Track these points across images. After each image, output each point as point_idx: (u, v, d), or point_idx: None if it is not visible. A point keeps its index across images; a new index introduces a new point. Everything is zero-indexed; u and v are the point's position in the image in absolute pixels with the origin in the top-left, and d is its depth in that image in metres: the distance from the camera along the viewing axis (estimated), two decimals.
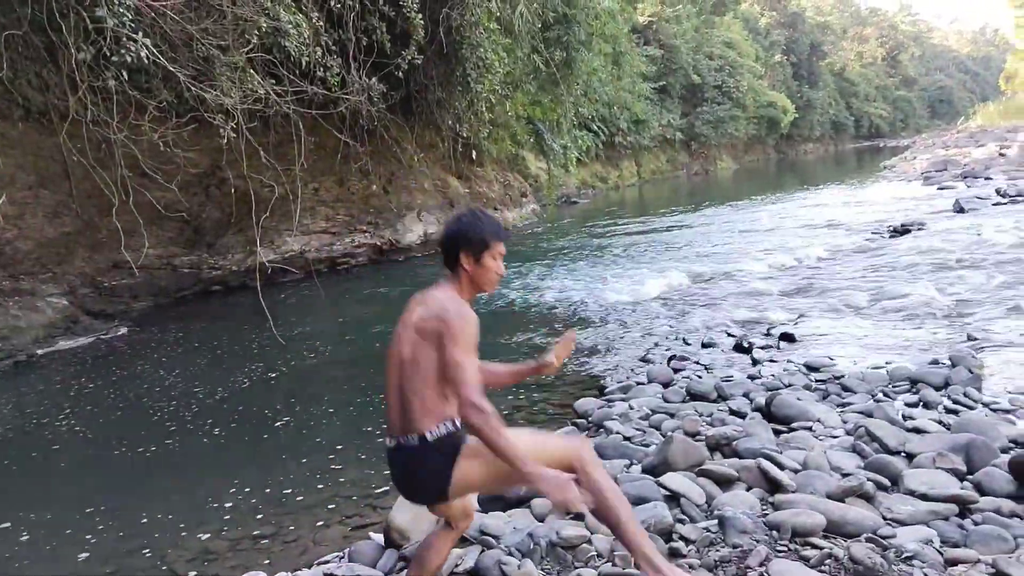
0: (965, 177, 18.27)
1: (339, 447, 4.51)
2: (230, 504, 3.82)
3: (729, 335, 6.15)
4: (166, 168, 8.45)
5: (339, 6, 9.38)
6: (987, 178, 17.49)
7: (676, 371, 5.30)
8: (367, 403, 5.34)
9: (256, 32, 7.94)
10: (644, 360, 5.80)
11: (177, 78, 7.49)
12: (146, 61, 6.98)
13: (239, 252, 10.32)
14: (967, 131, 33.70)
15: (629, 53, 23.24)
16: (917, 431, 3.57)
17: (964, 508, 2.77)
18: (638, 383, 5.09)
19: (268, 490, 3.96)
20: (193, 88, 7.64)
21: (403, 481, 2.26)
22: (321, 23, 9.17)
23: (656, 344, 6.27)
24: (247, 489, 3.97)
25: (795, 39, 54.32)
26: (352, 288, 10.43)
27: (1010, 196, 13.13)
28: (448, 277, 2.35)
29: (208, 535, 3.51)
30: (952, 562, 2.41)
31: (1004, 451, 3.23)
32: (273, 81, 8.77)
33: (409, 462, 2.19)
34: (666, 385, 4.93)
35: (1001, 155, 21.84)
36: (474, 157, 15.17)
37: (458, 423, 2.16)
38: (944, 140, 32.71)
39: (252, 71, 8.41)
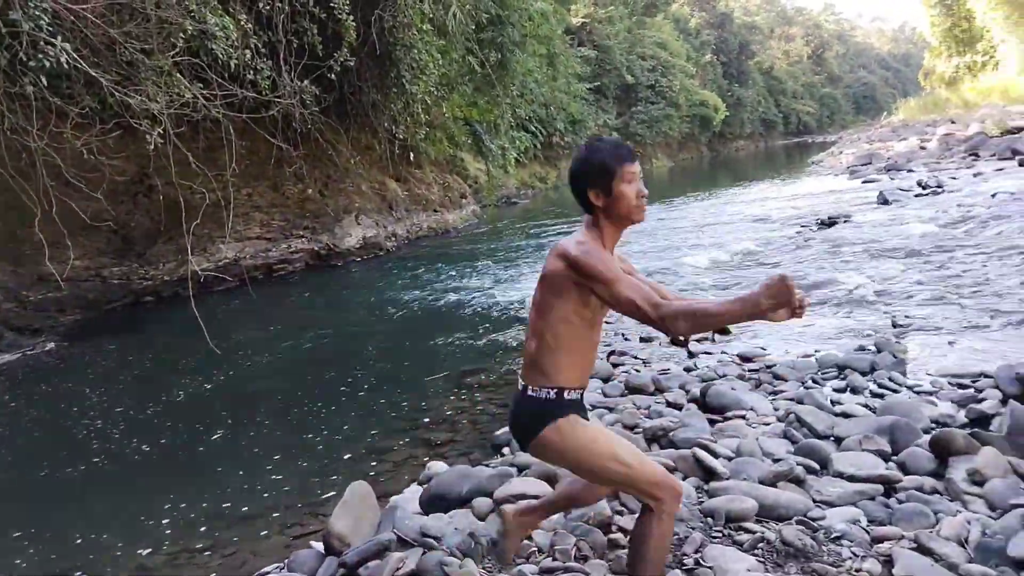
0: (888, 170, 18.96)
1: (278, 456, 4.43)
2: (166, 520, 3.72)
3: (571, 398, 6.23)
4: (91, 176, 8.16)
5: (268, 8, 9.23)
6: (909, 170, 18.20)
7: (615, 366, 5.37)
8: (305, 411, 5.26)
9: (182, 35, 7.75)
10: None
11: (100, 83, 7.25)
12: (66, 66, 6.74)
13: (171, 261, 10.05)
14: (890, 126, 34.96)
15: (563, 54, 23.46)
16: (845, 415, 3.70)
17: (889, 487, 2.89)
18: None
19: (205, 503, 3.87)
20: (117, 93, 7.41)
21: (510, 418, 2.21)
22: (250, 25, 9.00)
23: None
24: (183, 504, 3.88)
25: (724, 39, 55.67)
26: (289, 294, 10.26)
27: (930, 187, 13.67)
28: (585, 222, 2.12)
29: (145, 551, 3.42)
30: (878, 539, 2.51)
31: (926, 431, 3.37)
32: (201, 85, 8.56)
33: (516, 403, 2.16)
34: (606, 380, 4.97)
35: (922, 148, 22.73)
36: (412, 159, 15.08)
37: (565, 393, 2.07)
38: (868, 135, 33.89)
39: (179, 75, 8.20)
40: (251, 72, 8.96)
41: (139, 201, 9.86)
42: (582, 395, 2.15)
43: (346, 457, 4.33)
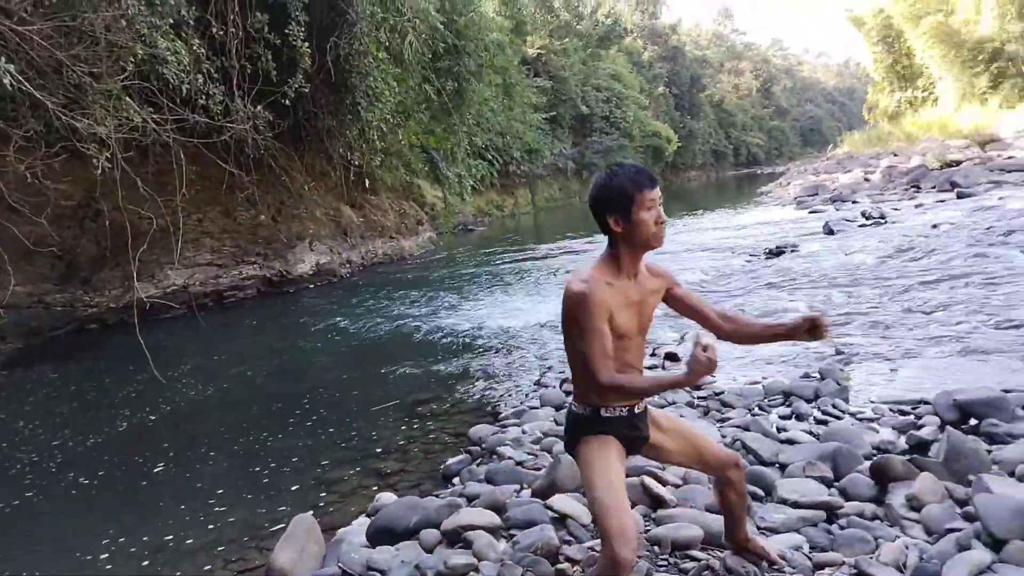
0: (834, 201, 19.51)
1: (223, 488, 4.33)
2: (105, 555, 3.60)
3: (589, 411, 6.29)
4: (35, 200, 7.98)
5: (221, 33, 9.18)
6: (854, 201, 18.75)
7: (568, 394, 5.38)
8: (252, 441, 5.16)
9: (132, 59, 7.65)
10: (538, 384, 5.87)
11: (46, 106, 7.10)
12: (10, 88, 6.59)
13: (117, 288, 9.81)
14: (835, 158, 36.01)
15: (519, 84, 23.72)
16: (790, 442, 3.77)
17: (831, 513, 2.95)
18: (531, 407, 5.13)
19: (147, 537, 3.75)
20: (63, 117, 7.26)
21: None
22: (203, 50, 8.93)
23: (550, 368, 6.36)
24: (123, 538, 3.75)
25: (676, 72, 57.00)
26: (239, 322, 10.10)
27: (874, 218, 14.10)
28: (605, 249, 2.22)
29: None
30: (820, 566, 2.55)
31: (867, 457, 3.44)
32: (151, 109, 8.45)
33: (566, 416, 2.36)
34: (559, 408, 4.98)
35: (866, 180, 23.46)
36: (367, 185, 15.07)
37: (602, 411, 2.21)
38: (815, 167, 34.85)
39: (128, 99, 8.08)
40: (203, 97, 8.87)
41: (85, 226, 9.64)
42: (631, 411, 2.23)
43: (294, 488, 4.26)
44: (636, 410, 2.25)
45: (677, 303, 2.32)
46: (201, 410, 6.20)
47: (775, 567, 2.50)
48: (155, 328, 9.12)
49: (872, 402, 4.50)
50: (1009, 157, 20.47)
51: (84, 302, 9.67)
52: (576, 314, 2.07)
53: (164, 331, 9.31)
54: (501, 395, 5.74)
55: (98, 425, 5.75)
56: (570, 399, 2.31)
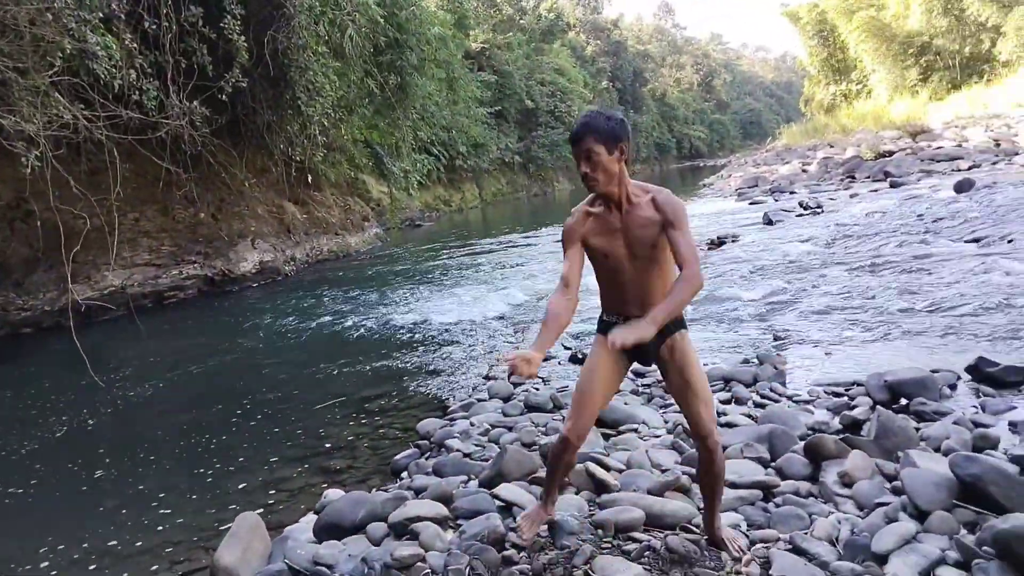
0: (773, 192, 20.00)
1: (167, 491, 4.24)
2: (45, 563, 3.50)
3: (565, 347, 6.37)
4: None
5: (155, 27, 8.95)
6: (792, 192, 19.26)
7: (516, 385, 5.41)
8: (196, 443, 5.06)
9: (60, 54, 7.40)
10: (487, 377, 5.90)
11: None
12: None
13: (51, 290, 9.50)
14: (775, 150, 36.85)
15: (463, 78, 23.64)
16: (729, 425, 3.87)
17: (768, 492, 3.04)
18: (480, 400, 5.16)
19: (88, 543, 3.66)
20: None
21: None
22: (135, 45, 8.69)
23: (498, 361, 6.39)
24: (62, 545, 3.66)
25: (619, 66, 57.60)
26: (179, 323, 9.88)
27: (811, 208, 14.52)
28: None
29: None
30: (757, 543, 2.63)
31: (802, 438, 3.55)
32: (83, 106, 8.20)
33: None
34: (506, 400, 5.02)
35: (804, 171, 24.10)
36: (310, 181, 14.86)
37: (604, 315, 2.64)
38: (755, 159, 35.64)
39: (57, 95, 7.82)
40: (137, 92, 8.64)
41: (16, 227, 9.31)
42: (617, 317, 2.54)
43: (240, 489, 4.20)
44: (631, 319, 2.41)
45: (670, 243, 2.37)
46: (142, 413, 6.06)
47: (703, 545, 2.59)
48: (93, 331, 8.87)
49: (807, 385, 4.65)
50: (938, 147, 21.27)
51: (17, 306, 9.35)
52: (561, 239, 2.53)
53: (102, 334, 9.05)
54: (450, 389, 5.75)
55: (34, 431, 5.57)
56: None
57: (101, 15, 8.06)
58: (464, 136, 28.98)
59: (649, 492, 2.97)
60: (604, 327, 2.54)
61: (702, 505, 2.71)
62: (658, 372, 5.11)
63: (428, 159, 25.63)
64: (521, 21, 40.87)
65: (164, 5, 9.16)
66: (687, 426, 2.64)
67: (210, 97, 9.85)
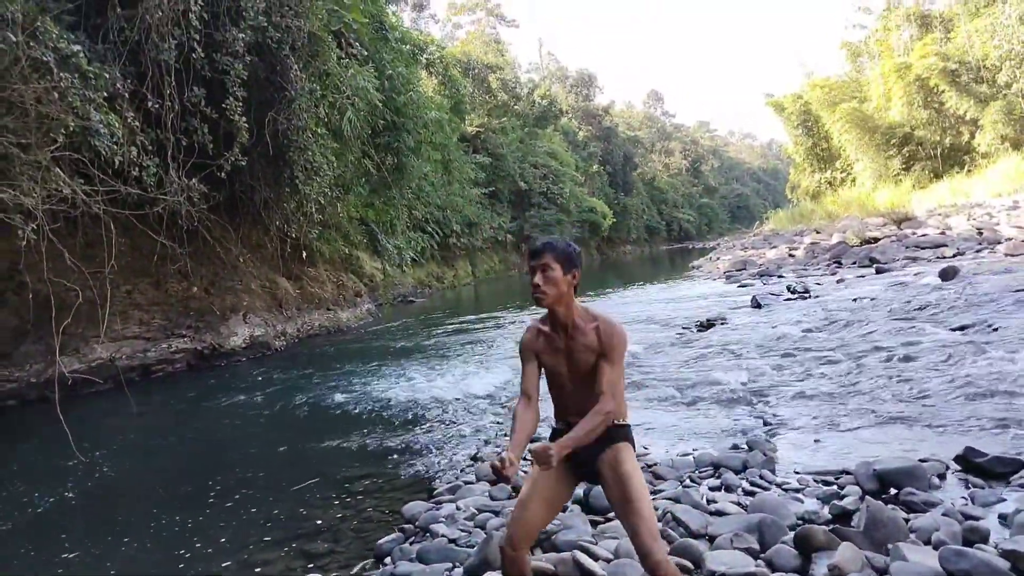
0: (761, 275, 20.24)
1: (144, 573, 4.13)
2: None
3: (553, 428, 6.32)
4: None
5: (157, 106, 9.18)
6: (780, 276, 19.49)
7: (492, 483, 5.33)
8: (176, 522, 4.94)
9: (63, 131, 7.56)
10: (474, 459, 5.83)
11: None
12: None
13: (38, 362, 9.42)
14: (762, 234, 37.55)
15: (458, 160, 24.23)
16: (719, 513, 3.83)
17: None
18: (466, 482, 5.09)
19: None
20: None
21: None
22: (137, 123, 8.89)
23: (486, 442, 6.33)
24: None
25: (610, 151, 59.08)
26: (167, 397, 9.78)
27: (799, 292, 14.67)
28: None
29: None
30: None
31: (792, 528, 3.52)
32: (82, 180, 8.32)
33: None
34: (494, 483, 4.95)
35: (791, 255, 24.48)
36: (304, 257, 14.98)
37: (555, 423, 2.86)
38: (743, 242, 36.21)
39: (58, 170, 7.96)
40: (136, 169, 8.79)
41: (7, 299, 9.30)
42: (563, 424, 2.75)
43: (218, 573, 4.09)
44: (558, 428, 2.76)
45: (596, 369, 2.60)
46: (122, 490, 5.95)
47: None
48: (79, 404, 8.75)
49: (797, 472, 4.61)
50: (923, 235, 21.69)
51: (3, 377, 9.25)
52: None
53: (88, 407, 8.94)
54: (436, 470, 5.68)
55: (9, 508, 5.44)
56: None
57: (106, 94, 8.27)
58: (458, 215, 29.46)
59: None
60: (553, 434, 2.77)
61: None
62: (646, 456, 5.15)
63: (422, 236, 25.96)
64: (515, 107, 42.08)
65: (167, 85, 9.42)
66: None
67: (209, 174, 10.02)
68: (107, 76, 8.28)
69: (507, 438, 2.67)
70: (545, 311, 2.66)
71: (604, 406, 2.48)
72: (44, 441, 7.39)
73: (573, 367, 2.61)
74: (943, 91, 33.48)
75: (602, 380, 2.51)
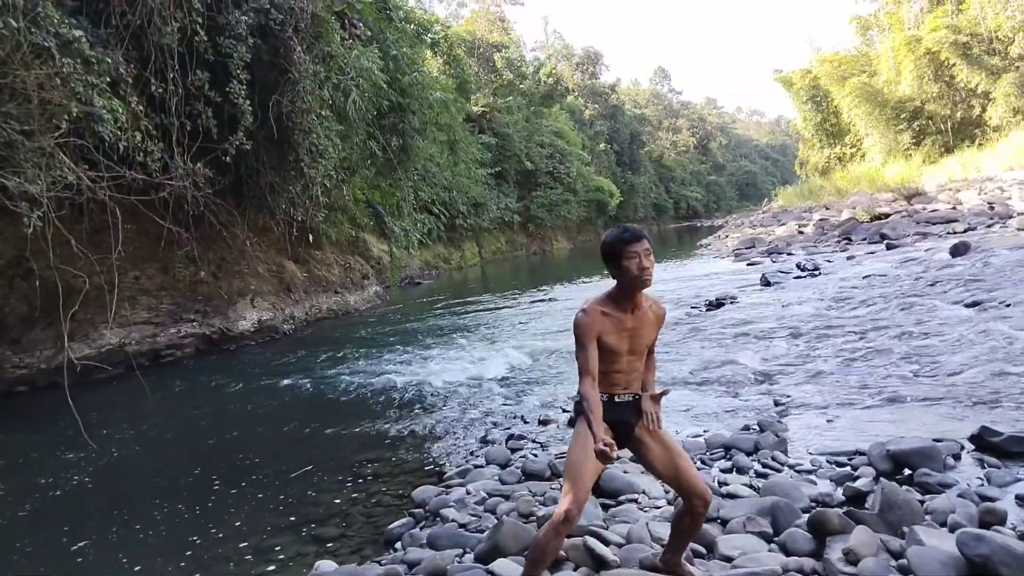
0: (770, 253, 20.10)
1: (154, 557, 4.14)
2: None
3: (564, 411, 6.31)
4: None
5: (161, 91, 9.11)
6: (789, 253, 19.35)
7: (514, 451, 5.34)
8: (186, 507, 4.94)
9: (66, 117, 7.51)
10: (484, 441, 5.82)
11: None
12: None
13: (48, 348, 9.46)
14: (771, 211, 37.26)
15: (464, 141, 24.08)
16: (731, 496, 3.80)
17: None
18: (476, 466, 5.08)
19: None
20: None
21: None
22: (141, 108, 8.84)
23: (496, 424, 6.32)
24: None
25: (616, 129, 58.64)
26: (176, 382, 9.80)
27: (808, 270, 14.55)
28: (613, 287, 2.82)
29: None
30: None
31: (805, 511, 3.48)
32: (87, 167, 8.29)
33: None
34: (504, 466, 4.94)
35: (800, 232, 24.28)
36: (311, 240, 14.95)
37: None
38: (751, 220, 35.95)
39: (63, 156, 7.92)
40: (141, 154, 8.75)
41: (15, 285, 9.31)
42: (611, 398, 2.79)
43: (228, 558, 4.09)
44: (617, 399, 2.81)
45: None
46: (132, 475, 5.97)
47: None
48: (89, 389, 8.79)
49: (810, 454, 4.57)
50: (934, 210, 21.47)
51: (13, 363, 9.29)
52: (575, 333, 2.73)
53: (98, 392, 8.98)
54: (446, 454, 5.67)
55: (22, 494, 5.47)
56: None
57: (108, 79, 8.22)
58: (464, 196, 29.33)
59: (641, 565, 2.89)
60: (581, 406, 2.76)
61: (668, 542, 2.92)
62: None
63: (429, 218, 25.89)
64: (521, 86, 41.76)
65: (171, 70, 9.36)
66: (684, 486, 2.74)
67: (214, 159, 9.98)
68: (109, 61, 8.22)
69: (574, 418, 2.86)
70: (591, 302, 2.81)
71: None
72: (54, 427, 7.42)
73: (635, 345, 2.80)
74: (954, 64, 33.00)
75: (651, 363, 2.93)
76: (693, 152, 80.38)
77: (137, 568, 4.02)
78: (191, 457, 6.28)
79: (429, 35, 23.07)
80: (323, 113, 12.09)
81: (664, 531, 3.34)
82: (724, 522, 3.44)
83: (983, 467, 3.99)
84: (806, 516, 3.31)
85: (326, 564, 3.53)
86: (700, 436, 5.11)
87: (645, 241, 2.74)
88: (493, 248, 35.37)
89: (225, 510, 4.86)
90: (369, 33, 14.46)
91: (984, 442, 4.17)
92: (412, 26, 19.06)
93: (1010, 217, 17.81)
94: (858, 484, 3.76)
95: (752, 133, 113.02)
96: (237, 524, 4.59)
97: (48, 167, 7.61)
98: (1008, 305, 8.19)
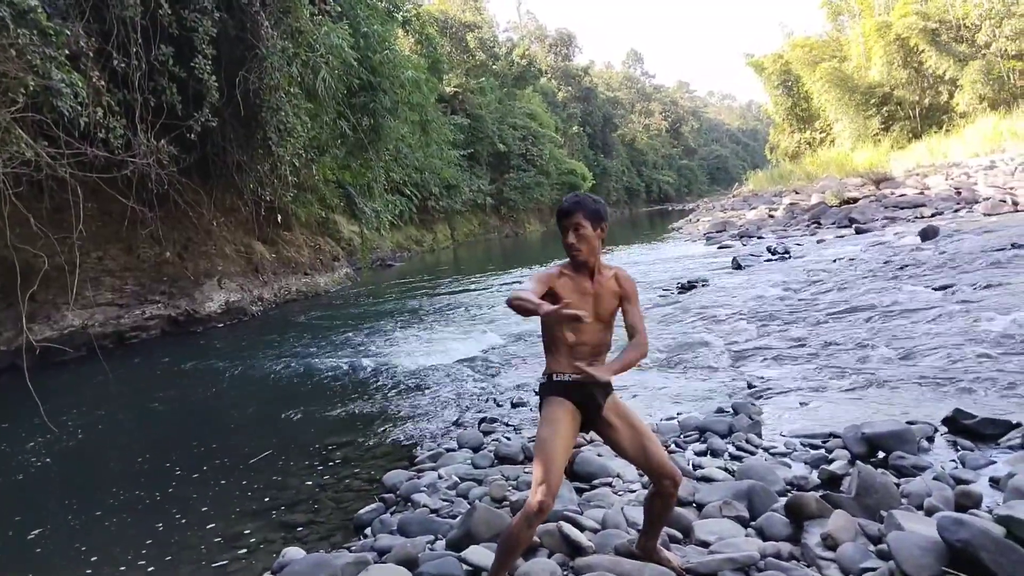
0: (741, 237, 20.23)
1: (115, 546, 4.00)
2: None
3: (536, 393, 6.24)
4: None
5: (123, 66, 8.83)
6: (759, 237, 19.48)
7: (486, 434, 5.27)
8: (149, 493, 4.81)
9: (23, 91, 7.23)
10: (456, 424, 5.74)
11: None
12: None
13: (8, 330, 9.16)
14: (741, 196, 37.53)
15: (436, 121, 23.78)
16: (706, 479, 3.76)
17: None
18: (448, 449, 5.00)
19: None
20: None
21: None
22: (103, 83, 8.55)
23: (468, 408, 6.24)
24: None
25: (589, 112, 58.55)
26: (141, 364, 9.59)
27: (779, 253, 14.65)
28: None
29: None
30: None
31: (781, 494, 3.45)
32: (46, 143, 8.01)
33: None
34: (476, 450, 4.87)
35: (770, 216, 24.47)
36: (280, 221, 14.70)
37: (554, 376, 2.73)
38: (722, 204, 36.18)
39: (20, 131, 7.63)
40: (103, 131, 8.48)
41: None
42: (567, 375, 2.68)
43: (193, 545, 3.97)
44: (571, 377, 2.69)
45: (624, 314, 2.80)
46: (94, 461, 5.80)
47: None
48: (50, 372, 8.55)
49: (784, 436, 4.55)
50: (902, 195, 21.73)
51: None
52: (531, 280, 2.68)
53: (60, 375, 8.74)
54: (417, 437, 5.58)
55: None
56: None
57: (67, 52, 7.92)
58: (437, 177, 29.06)
59: (616, 552, 2.84)
60: (555, 387, 2.71)
61: (642, 527, 2.86)
62: None
63: (400, 199, 25.61)
64: (494, 67, 41.44)
65: (134, 44, 9.07)
66: (653, 466, 2.67)
67: (179, 136, 9.72)
68: (68, 33, 7.93)
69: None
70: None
71: (643, 340, 2.73)
72: (13, 411, 7.20)
73: (599, 311, 2.72)
74: (923, 51, 33.37)
75: (636, 320, 2.77)
76: (665, 136, 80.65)
77: (98, 558, 3.89)
78: (155, 441, 6.12)
79: (401, 13, 22.73)
80: (292, 91, 11.84)
81: (639, 516, 3.29)
82: (700, 506, 3.39)
83: (957, 449, 4.00)
84: (783, 500, 3.28)
85: (294, 551, 3.43)
86: (674, 418, 5.08)
87: (577, 215, 2.68)
88: (466, 230, 35.20)
89: (190, 495, 4.73)
90: (339, 9, 14.18)
91: (957, 425, 4.18)
92: (383, 3, 18.71)
93: (976, 202, 18.09)
94: (833, 467, 3.74)
95: (724, 117, 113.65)
96: (203, 510, 4.47)
97: (4, 142, 7.34)
98: (976, 288, 8.28)
